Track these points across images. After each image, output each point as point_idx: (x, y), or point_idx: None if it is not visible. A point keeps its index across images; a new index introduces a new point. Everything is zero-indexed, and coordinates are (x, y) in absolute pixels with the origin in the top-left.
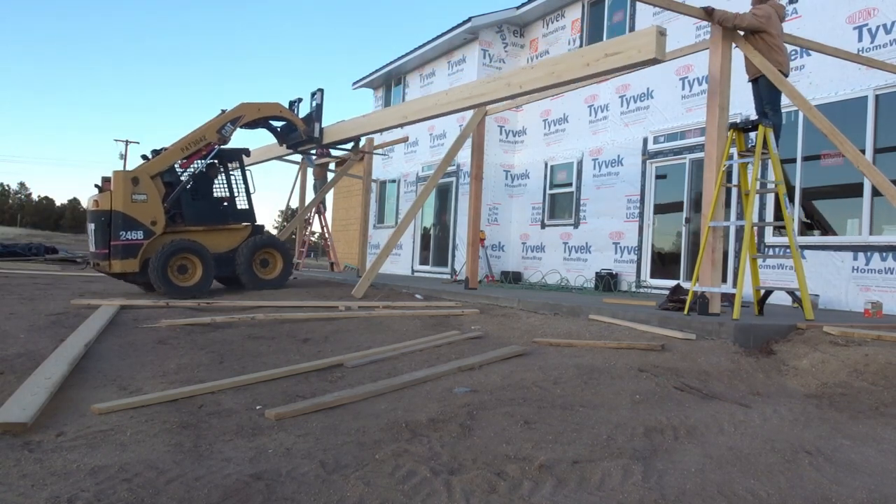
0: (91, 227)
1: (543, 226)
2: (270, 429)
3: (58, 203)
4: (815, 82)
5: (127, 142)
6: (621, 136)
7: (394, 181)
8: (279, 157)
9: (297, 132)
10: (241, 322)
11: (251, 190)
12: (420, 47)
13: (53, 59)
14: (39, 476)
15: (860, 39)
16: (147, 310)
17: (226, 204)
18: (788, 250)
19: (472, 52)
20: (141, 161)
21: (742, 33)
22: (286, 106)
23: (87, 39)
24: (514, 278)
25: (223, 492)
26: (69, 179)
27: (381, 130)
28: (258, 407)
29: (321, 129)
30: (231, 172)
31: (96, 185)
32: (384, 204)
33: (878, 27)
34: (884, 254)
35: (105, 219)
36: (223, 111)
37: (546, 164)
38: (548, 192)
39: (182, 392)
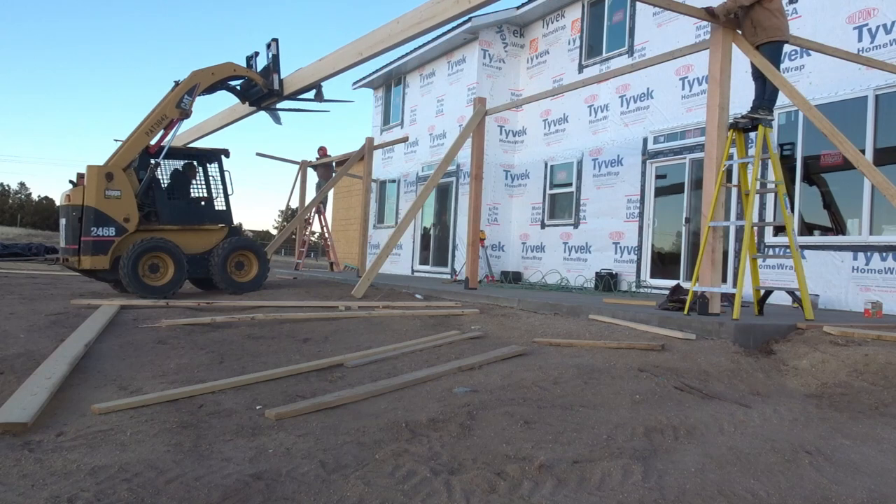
0: (62, 222)
1: (543, 226)
2: (270, 429)
3: (58, 203)
4: (815, 82)
5: None
6: (621, 136)
7: (394, 181)
8: (243, 117)
9: (258, 87)
10: (241, 322)
11: (229, 191)
12: (420, 47)
13: (53, 59)
14: (39, 476)
15: (860, 39)
16: (147, 310)
17: (202, 204)
18: (788, 250)
19: (472, 51)
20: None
21: (740, 32)
22: (241, 63)
23: (87, 39)
24: (514, 278)
25: (223, 492)
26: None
27: (340, 71)
28: (258, 407)
29: (281, 81)
30: (210, 174)
31: (71, 181)
32: (384, 204)
33: (878, 27)
34: (884, 254)
35: (76, 214)
36: (176, 83)
37: (546, 164)
38: (548, 192)
39: (182, 392)
